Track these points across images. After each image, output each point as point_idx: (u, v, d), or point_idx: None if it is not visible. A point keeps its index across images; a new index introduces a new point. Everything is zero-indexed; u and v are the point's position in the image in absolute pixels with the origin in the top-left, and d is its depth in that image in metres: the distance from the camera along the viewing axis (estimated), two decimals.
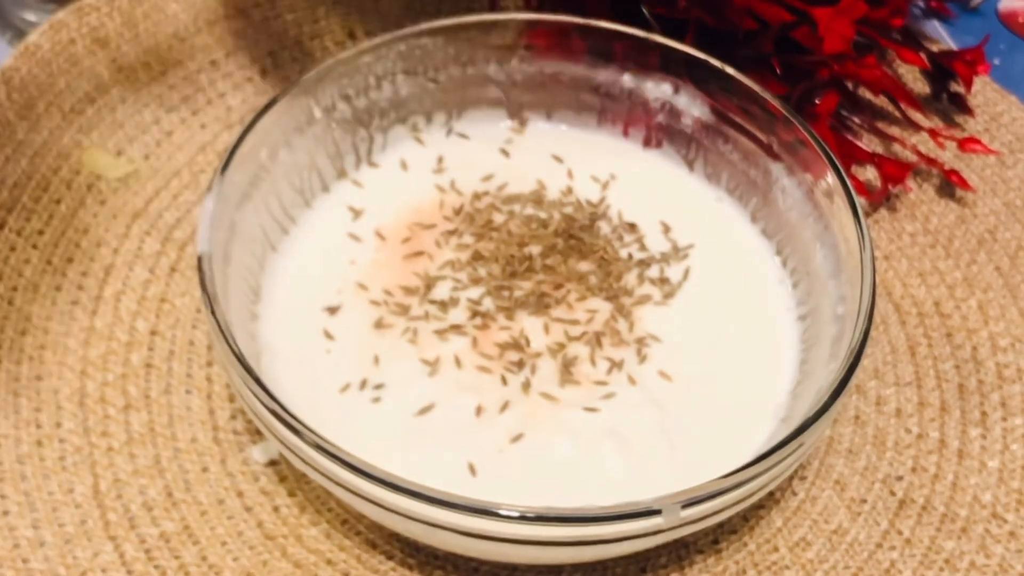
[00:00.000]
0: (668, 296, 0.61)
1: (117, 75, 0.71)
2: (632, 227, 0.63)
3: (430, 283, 0.60)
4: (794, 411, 0.55)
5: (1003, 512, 0.58)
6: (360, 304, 0.59)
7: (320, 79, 0.62)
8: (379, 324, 0.58)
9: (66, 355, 0.61)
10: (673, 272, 0.62)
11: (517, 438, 0.54)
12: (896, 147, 0.72)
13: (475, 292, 0.59)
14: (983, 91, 0.75)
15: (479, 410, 0.55)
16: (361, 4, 0.77)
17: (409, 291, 0.60)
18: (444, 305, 0.59)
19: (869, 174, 0.71)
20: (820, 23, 0.67)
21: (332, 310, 0.59)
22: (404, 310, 0.59)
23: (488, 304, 0.59)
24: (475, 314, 0.59)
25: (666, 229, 0.64)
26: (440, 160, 0.66)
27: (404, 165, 0.66)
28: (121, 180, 0.68)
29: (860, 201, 0.58)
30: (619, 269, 0.61)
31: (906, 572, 0.56)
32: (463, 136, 0.68)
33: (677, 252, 0.63)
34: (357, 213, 0.64)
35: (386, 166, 0.66)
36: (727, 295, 0.61)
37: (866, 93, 0.74)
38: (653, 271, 0.62)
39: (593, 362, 0.57)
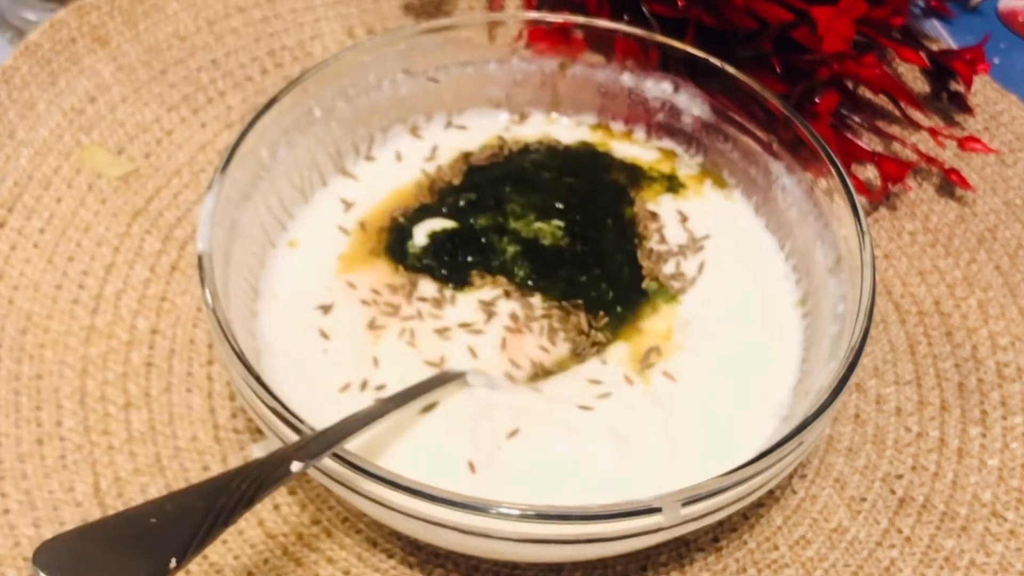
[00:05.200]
0: (681, 293, 0.61)
1: (117, 74, 0.71)
2: (654, 216, 0.64)
3: (414, 280, 0.60)
4: (795, 410, 0.56)
5: (1003, 510, 0.58)
6: (351, 302, 0.59)
7: (320, 78, 0.62)
8: (372, 325, 0.58)
9: (67, 354, 0.61)
10: (689, 266, 0.62)
11: (513, 433, 0.54)
12: (896, 146, 0.72)
13: (464, 297, 0.60)
14: (983, 90, 0.75)
15: (477, 407, 0.55)
16: (361, 3, 0.77)
17: (395, 289, 0.60)
18: (438, 302, 0.59)
19: (869, 173, 0.71)
20: (820, 22, 0.67)
21: (325, 308, 0.59)
22: (395, 310, 0.59)
23: (487, 295, 0.59)
24: (472, 312, 0.59)
25: (683, 219, 0.64)
26: (434, 149, 0.66)
27: (399, 157, 0.66)
28: (122, 179, 0.68)
29: (860, 200, 0.58)
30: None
31: (906, 570, 0.56)
32: (461, 128, 0.68)
33: (694, 243, 0.63)
34: (348, 205, 0.64)
35: (382, 159, 0.66)
36: (735, 293, 0.61)
37: (866, 92, 0.74)
38: (670, 266, 0.62)
39: (603, 360, 0.57)
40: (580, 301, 0.59)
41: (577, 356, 0.58)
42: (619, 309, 0.59)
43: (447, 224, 0.62)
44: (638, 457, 0.54)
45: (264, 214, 0.61)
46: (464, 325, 0.58)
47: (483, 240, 0.61)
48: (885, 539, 0.57)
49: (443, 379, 0.55)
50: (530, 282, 0.60)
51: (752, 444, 0.54)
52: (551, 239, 0.61)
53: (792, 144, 0.62)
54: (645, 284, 0.61)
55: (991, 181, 0.71)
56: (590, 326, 0.58)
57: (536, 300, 0.59)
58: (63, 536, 0.43)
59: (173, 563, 0.42)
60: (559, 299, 0.59)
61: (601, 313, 0.59)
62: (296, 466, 0.46)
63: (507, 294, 0.59)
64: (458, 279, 0.60)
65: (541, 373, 0.57)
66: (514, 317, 0.58)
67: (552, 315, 0.59)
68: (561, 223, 0.62)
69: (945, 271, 0.67)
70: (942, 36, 0.81)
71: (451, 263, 0.60)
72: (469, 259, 0.60)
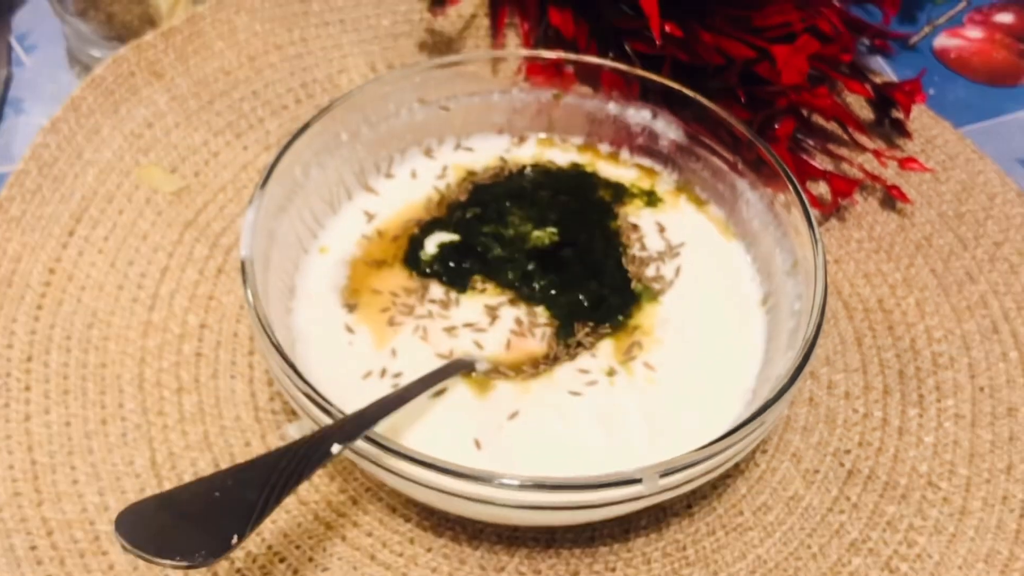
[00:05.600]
0: (660, 294, 0.60)
1: (171, 103, 0.71)
2: (635, 227, 0.63)
3: (425, 284, 0.60)
4: (758, 394, 0.55)
5: (937, 480, 0.58)
6: (372, 302, 0.59)
7: (347, 107, 0.62)
8: (391, 322, 0.58)
9: (127, 345, 0.61)
10: (667, 270, 0.62)
11: (513, 415, 0.54)
12: (845, 165, 0.72)
13: (469, 300, 0.59)
14: (920, 117, 0.75)
15: (482, 392, 0.55)
16: (382, 42, 0.77)
17: (410, 292, 0.59)
18: (445, 304, 0.59)
19: (821, 188, 0.71)
20: (779, 58, 0.67)
21: (351, 307, 0.59)
22: (410, 310, 0.59)
23: (490, 301, 0.59)
24: (476, 314, 0.58)
25: (661, 229, 0.64)
26: (445, 169, 0.66)
27: (414, 175, 0.66)
28: (175, 194, 0.67)
29: (813, 212, 0.58)
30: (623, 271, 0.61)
31: (853, 532, 0.56)
32: (468, 149, 0.68)
33: (671, 250, 0.63)
34: (371, 217, 0.64)
35: (400, 177, 0.66)
36: (706, 293, 0.61)
37: (819, 119, 0.73)
38: (650, 270, 0.61)
39: (593, 354, 0.57)
40: (573, 303, 0.59)
41: (570, 351, 0.57)
42: (608, 310, 0.59)
43: (454, 236, 0.62)
44: (621, 435, 0.54)
45: (298, 224, 0.61)
46: (468, 324, 0.58)
47: (486, 249, 0.61)
48: (835, 506, 0.57)
49: (458, 367, 0.55)
50: (528, 287, 0.59)
51: (721, 424, 0.54)
52: (546, 249, 0.61)
53: (755, 164, 0.62)
54: (633, 286, 0.60)
55: (927, 196, 0.71)
56: (583, 325, 0.58)
57: (533, 303, 0.59)
58: (140, 504, 0.43)
59: (235, 539, 0.42)
60: (554, 301, 0.59)
61: (591, 313, 0.59)
62: (336, 448, 0.46)
63: (508, 298, 0.59)
64: (463, 284, 0.60)
65: (538, 365, 0.57)
66: (514, 318, 0.58)
67: (547, 316, 0.58)
68: (555, 234, 0.62)
69: (887, 274, 0.67)
70: (884, 70, 0.81)
71: (457, 270, 0.60)
72: (473, 267, 0.60)
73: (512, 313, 0.58)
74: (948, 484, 0.58)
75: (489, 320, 0.58)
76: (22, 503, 0.54)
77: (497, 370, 0.56)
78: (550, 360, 0.57)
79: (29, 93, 0.75)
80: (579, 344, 0.57)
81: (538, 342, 0.57)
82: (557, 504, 0.48)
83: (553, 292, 0.59)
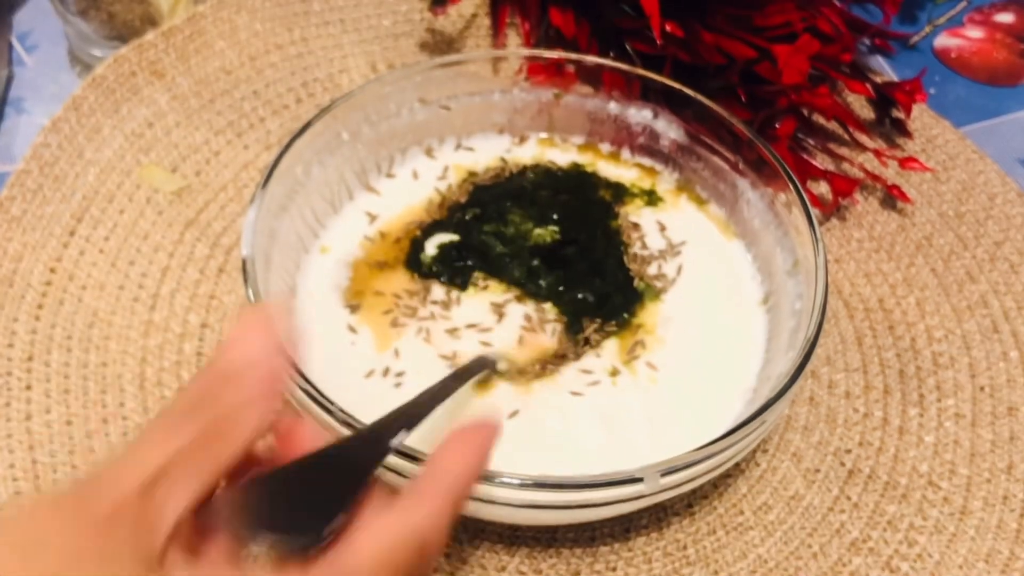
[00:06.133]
0: (662, 292, 0.60)
1: (172, 102, 0.71)
2: (636, 226, 0.63)
3: (427, 286, 0.60)
4: (759, 393, 0.55)
5: (938, 480, 0.58)
6: (375, 303, 0.59)
7: (348, 106, 0.62)
8: (394, 323, 0.58)
9: (128, 345, 0.61)
10: (669, 269, 0.62)
11: (513, 414, 0.54)
12: (845, 165, 0.72)
13: (468, 299, 0.59)
14: (920, 117, 0.75)
15: (482, 391, 0.55)
16: (382, 41, 0.77)
17: (412, 293, 0.59)
18: (447, 305, 0.59)
19: (822, 188, 0.71)
20: (780, 58, 0.67)
21: (353, 307, 0.59)
22: (413, 311, 0.59)
23: (493, 300, 0.59)
24: (478, 315, 0.58)
25: (662, 228, 0.64)
26: (445, 169, 0.66)
27: (415, 175, 0.66)
28: (175, 193, 0.68)
29: (814, 211, 0.58)
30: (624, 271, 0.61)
31: (854, 532, 0.56)
32: (469, 149, 0.68)
33: (672, 249, 0.63)
34: (372, 217, 0.64)
35: (401, 176, 0.66)
36: (708, 292, 0.61)
37: (819, 118, 0.74)
38: (652, 269, 0.61)
39: (598, 354, 0.57)
40: (579, 300, 0.59)
41: (579, 348, 0.57)
42: (614, 307, 0.59)
43: (455, 237, 0.61)
44: (622, 435, 0.54)
45: (299, 224, 0.61)
46: (471, 326, 0.58)
47: (486, 250, 0.61)
48: (836, 505, 0.57)
49: (481, 365, 0.54)
50: (533, 283, 0.59)
51: (721, 423, 0.54)
52: (547, 249, 0.61)
53: (756, 163, 0.62)
54: (635, 284, 0.60)
55: (927, 196, 0.71)
56: (591, 321, 0.58)
57: (540, 299, 0.59)
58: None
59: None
60: (561, 298, 0.59)
61: (597, 310, 0.59)
62: (396, 440, 0.42)
63: (515, 295, 0.59)
64: (464, 281, 0.60)
65: (542, 366, 0.57)
66: (523, 314, 0.58)
67: (556, 312, 0.58)
68: (556, 234, 0.62)
69: (888, 273, 0.67)
70: (885, 70, 0.81)
71: (457, 271, 0.60)
72: (474, 268, 0.60)
73: (520, 310, 0.58)
74: (948, 484, 0.58)
75: (496, 318, 0.58)
76: (23, 502, 0.54)
77: (516, 369, 0.56)
78: (559, 358, 0.57)
79: (30, 93, 0.75)
80: (587, 341, 0.57)
81: (549, 338, 0.57)
82: (558, 503, 0.48)
83: (560, 288, 0.59)
